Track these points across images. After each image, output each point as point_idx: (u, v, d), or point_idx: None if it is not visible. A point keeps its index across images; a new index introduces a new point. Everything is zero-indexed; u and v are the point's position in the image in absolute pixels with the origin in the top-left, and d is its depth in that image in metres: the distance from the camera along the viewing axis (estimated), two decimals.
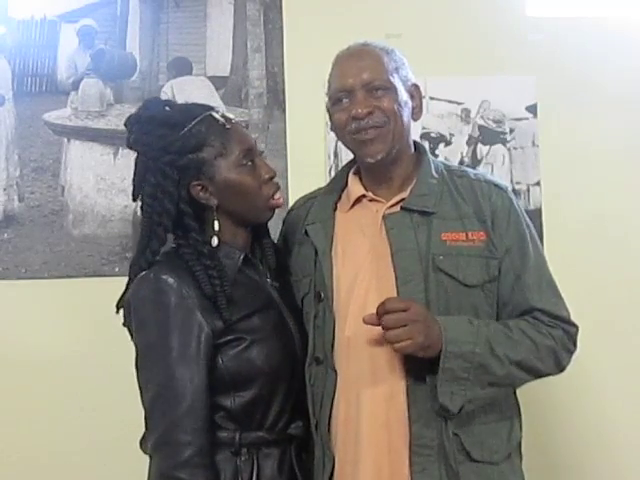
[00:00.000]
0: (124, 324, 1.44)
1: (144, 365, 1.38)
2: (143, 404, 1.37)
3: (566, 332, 1.48)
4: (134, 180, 1.48)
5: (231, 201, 1.43)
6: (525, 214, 1.54)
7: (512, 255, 1.46)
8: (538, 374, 1.47)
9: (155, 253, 1.42)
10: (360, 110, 1.44)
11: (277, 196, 1.48)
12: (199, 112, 1.44)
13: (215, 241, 1.42)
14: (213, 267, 1.38)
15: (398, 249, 1.44)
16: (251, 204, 1.45)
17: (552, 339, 1.45)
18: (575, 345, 1.51)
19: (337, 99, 1.49)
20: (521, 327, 1.43)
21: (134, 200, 1.49)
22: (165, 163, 1.41)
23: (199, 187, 1.42)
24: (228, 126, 1.43)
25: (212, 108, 1.47)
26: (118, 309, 1.46)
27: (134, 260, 1.45)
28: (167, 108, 1.46)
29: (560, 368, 1.49)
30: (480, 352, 1.37)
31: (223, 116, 1.45)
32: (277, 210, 1.52)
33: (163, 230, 1.41)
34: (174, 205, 1.40)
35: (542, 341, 1.44)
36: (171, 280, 1.36)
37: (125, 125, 1.47)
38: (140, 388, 1.38)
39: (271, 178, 1.47)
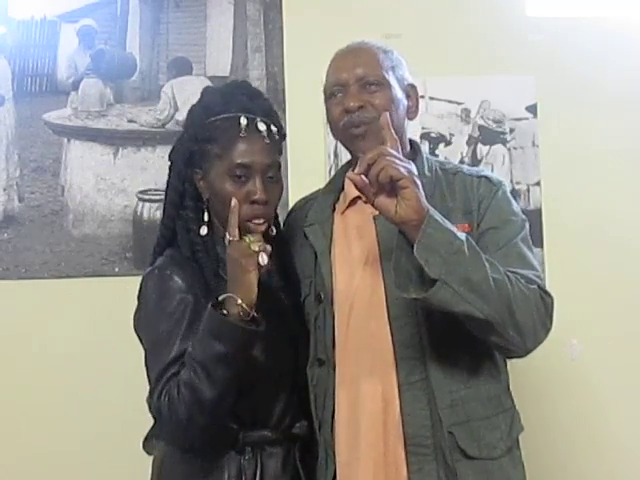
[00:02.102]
0: (135, 330, 1.45)
1: (150, 358, 1.38)
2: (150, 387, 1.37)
3: (542, 297, 1.37)
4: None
5: (214, 203, 1.45)
6: (515, 205, 1.51)
7: (484, 238, 1.43)
8: (511, 315, 1.30)
9: (167, 227, 1.46)
10: (352, 103, 1.45)
11: (256, 221, 1.40)
12: (236, 108, 1.43)
13: (204, 230, 1.43)
14: (199, 243, 1.41)
15: (386, 251, 1.44)
16: (226, 216, 1.39)
17: (527, 289, 1.34)
18: (551, 319, 1.39)
19: (331, 93, 1.50)
20: (496, 264, 1.34)
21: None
22: (183, 142, 1.48)
23: (198, 176, 1.45)
24: (243, 134, 1.41)
25: (251, 111, 1.44)
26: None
27: (156, 241, 1.49)
28: (223, 96, 1.47)
29: (532, 332, 1.35)
30: (462, 240, 1.28)
31: (251, 124, 1.42)
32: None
33: (170, 205, 1.47)
34: (181, 183, 1.46)
35: (517, 284, 1.33)
36: (175, 275, 1.38)
37: None
38: (149, 376, 1.38)
39: (254, 201, 1.40)
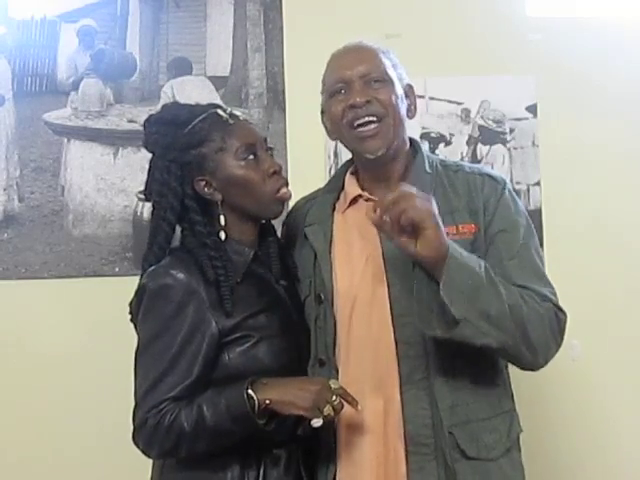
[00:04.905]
0: (131, 320, 1.44)
1: (144, 355, 1.38)
2: (135, 393, 1.38)
3: (556, 314, 1.40)
4: (146, 179, 1.49)
5: (235, 196, 1.44)
6: (520, 204, 1.52)
7: (496, 243, 1.44)
8: (525, 336, 1.34)
9: (162, 248, 1.43)
10: (358, 99, 1.44)
11: (283, 190, 1.46)
12: (205, 110, 1.45)
13: (223, 235, 1.43)
14: (217, 258, 1.39)
15: (388, 250, 1.44)
16: (255, 198, 1.44)
17: (541, 308, 1.38)
18: (562, 336, 1.42)
19: (334, 91, 1.49)
20: (511, 288, 1.38)
21: (146, 199, 1.50)
22: (170, 160, 1.43)
23: (203, 183, 1.43)
24: (231, 122, 1.44)
25: (219, 106, 1.48)
26: (131, 309, 1.46)
27: (144, 256, 1.46)
28: (182, 109, 1.49)
29: (544, 349, 1.38)
30: (480, 273, 1.31)
31: (230, 113, 1.46)
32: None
33: (167, 225, 1.43)
34: (178, 201, 1.42)
35: (532, 304, 1.36)
36: (180, 275, 1.37)
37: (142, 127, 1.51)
38: (138, 375, 1.38)
39: (275, 172, 1.46)
